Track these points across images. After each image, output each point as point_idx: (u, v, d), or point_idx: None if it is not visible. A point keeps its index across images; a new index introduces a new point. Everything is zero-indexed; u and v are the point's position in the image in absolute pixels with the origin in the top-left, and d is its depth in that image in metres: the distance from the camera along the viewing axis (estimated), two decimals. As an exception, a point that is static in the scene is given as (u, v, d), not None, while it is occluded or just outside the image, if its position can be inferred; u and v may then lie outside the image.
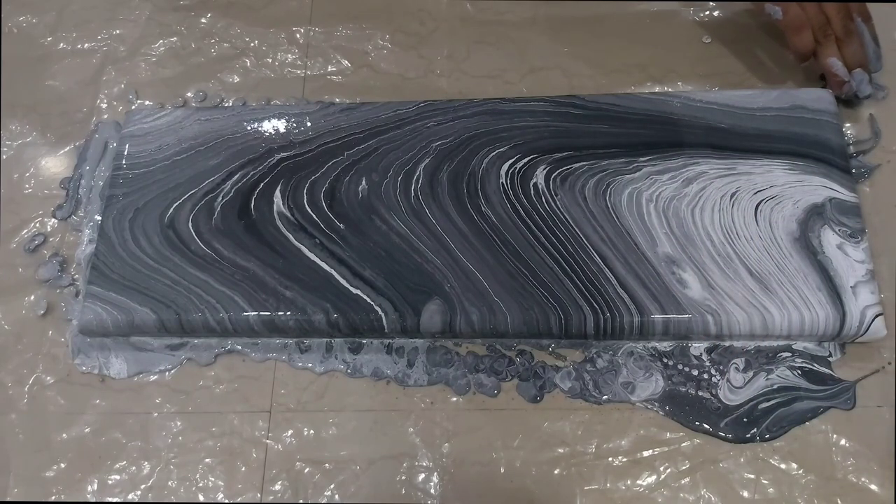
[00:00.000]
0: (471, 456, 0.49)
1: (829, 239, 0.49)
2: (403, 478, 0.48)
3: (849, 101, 0.56)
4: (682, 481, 0.47)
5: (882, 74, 0.57)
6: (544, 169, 0.53)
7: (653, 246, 0.49)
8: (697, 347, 0.50)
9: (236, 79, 0.63)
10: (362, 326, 0.49)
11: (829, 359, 0.49)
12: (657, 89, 0.59)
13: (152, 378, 0.53)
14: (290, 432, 0.50)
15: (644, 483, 0.47)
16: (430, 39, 0.63)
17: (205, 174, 0.55)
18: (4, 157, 0.62)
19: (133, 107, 0.63)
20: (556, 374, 0.50)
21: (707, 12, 0.62)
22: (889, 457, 0.46)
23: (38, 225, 0.59)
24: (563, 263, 0.49)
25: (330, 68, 0.63)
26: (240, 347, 0.53)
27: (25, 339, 0.55)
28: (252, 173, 0.55)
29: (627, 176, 0.52)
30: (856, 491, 0.46)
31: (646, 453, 0.48)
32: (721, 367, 0.49)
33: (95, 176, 0.60)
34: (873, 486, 0.46)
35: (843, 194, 0.50)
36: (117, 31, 0.67)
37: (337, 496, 0.48)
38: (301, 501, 0.48)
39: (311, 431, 0.50)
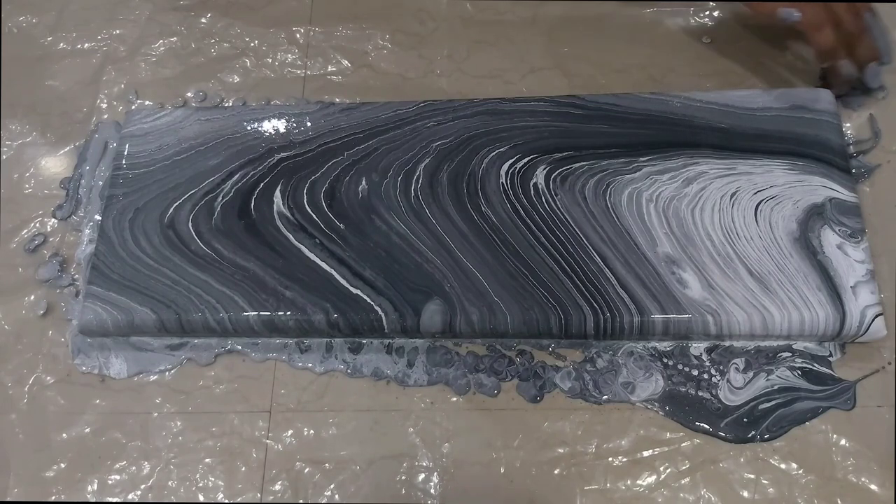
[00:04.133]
0: (471, 456, 0.49)
1: (829, 239, 0.49)
2: (403, 478, 0.48)
3: (848, 102, 0.56)
4: (682, 481, 0.47)
5: (882, 74, 0.57)
6: (544, 169, 0.53)
7: (653, 246, 0.49)
8: (697, 347, 0.50)
9: (236, 79, 0.63)
10: (362, 326, 0.49)
11: (830, 359, 0.49)
12: (657, 89, 0.59)
13: (152, 378, 0.53)
14: (290, 432, 0.50)
15: (644, 483, 0.47)
16: (430, 39, 0.63)
17: (205, 174, 0.55)
18: (4, 157, 0.62)
19: (133, 107, 0.63)
20: (556, 374, 0.50)
21: (707, 12, 0.62)
22: (889, 457, 0.46)
23: (38, 225, 0.59)
24: (563, 263, 0.49)
25: (330, 68, 0.63)
26: (240, 347, 0.53)
27: (25, 339, 0.55)
28: (252, 173, 0.55)
29: (627, 176, 0.52)
30: (856, 491, 0.46)
31: (646, 453, 0.48)
32: (721, 368, 0.49)
33: (95, 176, 0.60)
34: (873, 486, 0.46)
35: (843, 194, 0.50)
36: (117, 31, 0.67)
37: (337, 496, 0.48)
38: (301, 501, 0.48)
39: (311, 431, 0.50)
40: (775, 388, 0.48)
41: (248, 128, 0.57)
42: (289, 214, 0.53)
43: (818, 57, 0.55)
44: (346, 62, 0.63)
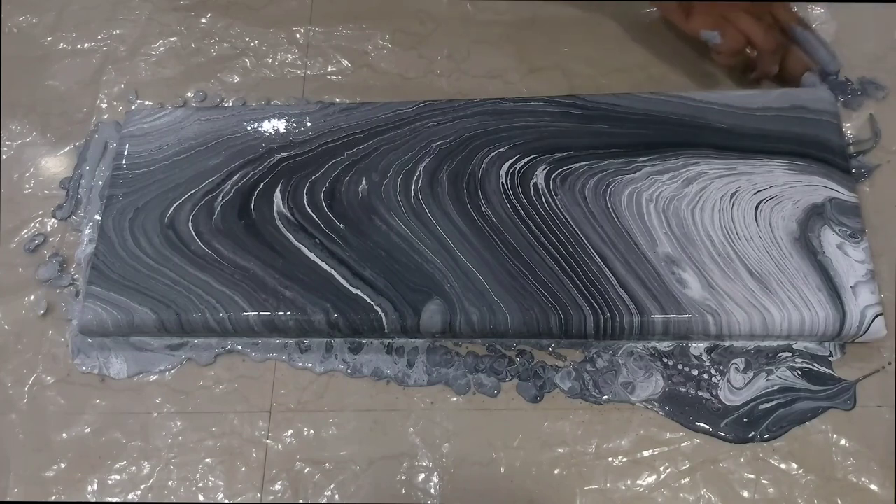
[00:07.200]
0: (471, 456, 0.49)
1: (829, 239, 0.49)
2: (403, 478, 0.48)
3: (849, 101, 0.56)
4: (682, 481, 0.47)
5: (882, 74, 0.57)
6: (544, 169, 0.53)
7: (653, 246, 0.49)
8: (697, 347, 0.50)
9: (236, 79, 0.63)
10: (362, 326, 0.49)
11: (830, 359, 0.49)
12: (657, 89, 0.59)
13: (152, 378, 0.53)
14: (290, 432, 0.50)
15: (644, 483, 0.47)
16: (430, 39, 0.63)
17: (205, 174, 0.55)
18: (4, 157, 0.62)
19: (133, 107, 0.63)
20: (556, 374, 0.50)
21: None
22: (889, 457, 0.46)
23: (38, 225, 0.59)
24: (563, 263, 0.49)
25: (330, 68, 0.63)
26: (240, 347, 0.53)
27: (25, 339, 0.55)
28: (252, 173, 0.55)
29: (627, 176, 0.52)
30: (856, 491, 0.46)
31: (646, 453, 0.48)
32: (721, 368, 0.49)
33: (95, 176, 0.60)
34: (873, 486, 0.46)
35: (843, 194, 0.50)
36: (117, 31, 0.67)
37: (337, 496, 0.48)
38: (301, 501, 0.48)
39: (311, 431, 0.50)
40: (775, 388, 0.48)
41: (248, 128, 0.57)
42: (289, 214, 0.53)
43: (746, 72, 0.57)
44: (346, 62, 0.63)
